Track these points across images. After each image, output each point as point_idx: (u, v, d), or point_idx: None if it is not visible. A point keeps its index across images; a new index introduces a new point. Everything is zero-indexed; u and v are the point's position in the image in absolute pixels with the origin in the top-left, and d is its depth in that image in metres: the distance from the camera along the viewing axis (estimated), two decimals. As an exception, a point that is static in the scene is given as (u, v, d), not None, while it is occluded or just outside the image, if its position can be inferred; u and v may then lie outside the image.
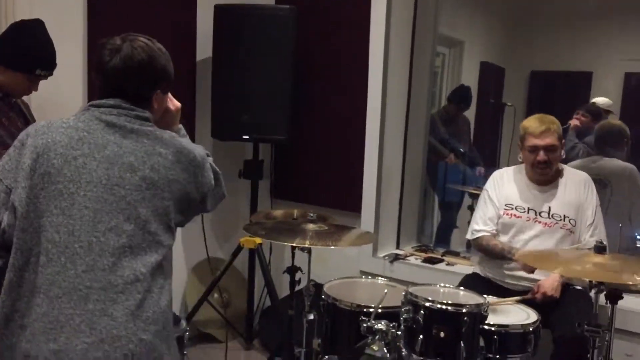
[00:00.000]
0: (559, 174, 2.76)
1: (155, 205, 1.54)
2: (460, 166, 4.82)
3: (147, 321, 1.47)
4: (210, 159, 1.75)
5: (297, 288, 2.83)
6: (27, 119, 2.43)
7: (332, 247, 2.42)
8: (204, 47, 3.66)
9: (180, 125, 1.84)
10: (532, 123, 2.67)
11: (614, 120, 4.16)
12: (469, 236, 2.89)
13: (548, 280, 2.55)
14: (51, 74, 2.39)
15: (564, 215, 2.69)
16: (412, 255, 3.62)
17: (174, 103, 1.81)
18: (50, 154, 1.51)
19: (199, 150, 1.69)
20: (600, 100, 4.67)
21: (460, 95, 5.00)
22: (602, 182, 3.39)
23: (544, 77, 6.14)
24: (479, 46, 5.98)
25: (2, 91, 2.33)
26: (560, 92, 6.03)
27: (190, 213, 1.69)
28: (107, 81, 1.62)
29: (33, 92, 2.40)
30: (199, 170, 1.65)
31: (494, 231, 2.78)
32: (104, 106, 1.59)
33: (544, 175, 2.72)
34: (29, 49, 2.32)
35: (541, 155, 2.64)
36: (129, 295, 1.46)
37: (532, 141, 2.65)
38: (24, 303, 1.44)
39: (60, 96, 2.79)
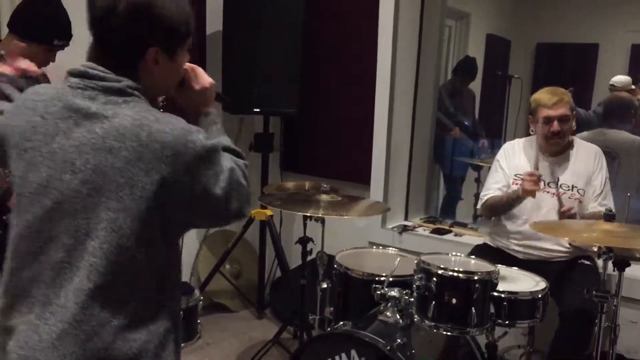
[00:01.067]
0: (569, 145, 2.80)
1: (100, 217, 1.19)
2: (465, 139, 4.86)
3: None
4: (236, 164, 1.33)
5: (308, 258, 2.89)
6: None
7: (347, 216, 2.47)
8: (214, 21, 3.67)
9: (213, 111, 1.44)
10: (544, 95, 2.71)
11: (622, 93, 4.16)
12: (479, 205, 2.94)
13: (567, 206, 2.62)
14: (68, 44, 2.41)
15: (572, 185, 2.73)
16: (420, 226, 3.67)
17: (198, 77, 1.43)
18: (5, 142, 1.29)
19: (202, 142, 1.24)
20: (618, 80, 4.62)
21: (465, 67, 5.00)
22: (610, 154, 3.42)
23: (550, 49, 6.13)
24: (485, 18, 5.96)
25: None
26: (566, 64, 6.03)
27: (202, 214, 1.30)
28: (92, 32, 1.28)
29: (51, 63, 2.43)
30: (190, 166, 1.22)
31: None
32: (73, 75, 1.26)
33: (557, 146, 2.76)
34: (46, 19, 2.34)
35: (555, 126, 2.68)
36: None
37: (546, 112, 2.68)
38: None
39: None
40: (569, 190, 2.73)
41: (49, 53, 2.38)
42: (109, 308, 1.20)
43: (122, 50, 1.26)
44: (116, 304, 1.21)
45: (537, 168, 2.63)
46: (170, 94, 1.43)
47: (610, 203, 2.73)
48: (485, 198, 2.85)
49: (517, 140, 2.97)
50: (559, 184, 2.75)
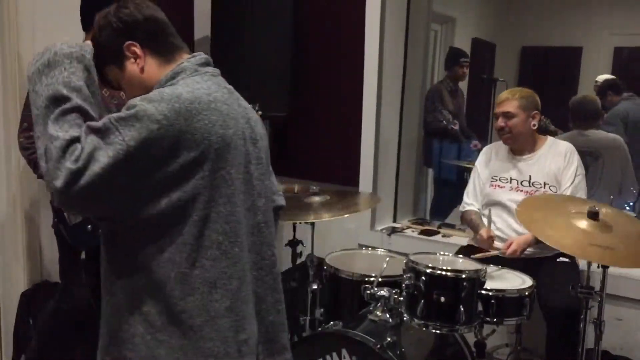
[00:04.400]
0: (541, 143, 2.88)
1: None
2: (463, 141, 4.89)
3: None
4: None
5: (298, 261, 2.92)
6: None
7: (340, 217, 2.49)
8: (202, 26, 3.69)
9: None
10: (502, 93, 2.89)
11: (588, 95, 4.20)
12: (460, 208, 3.05)
13: (520, 239, 2.68)
14: None
15: (544, 183, 2.80)
16: (408, 228, 3.71)
17: None
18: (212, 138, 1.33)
19: None
20: (602, 78, 4.71)
21: (453, 58, 5.03)
22: (593, 154, 3.48)
23: (534, 52, 6.21)
24: (471, 23, 6.03)
25: None
26: (550, 67, 6.12)
27: None
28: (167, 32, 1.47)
29: None
30: None
31: (477, 207, 2.95)
32: (210, 64, 1.47)
33: (509, 144, 2.87)
34: (110, 3, 2.38)
35: (498, 122, 2.83)
36: (278, 273, 1.51)
37: (495, 110, 2.88)
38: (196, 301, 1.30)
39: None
40: (541, 187, 2.80)
41: None
42: None
43: None
44: None
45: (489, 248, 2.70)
46: None
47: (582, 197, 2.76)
48: (465, 209, 3.00)
49: (495, 143, 3.04)
50: (531, 181, 2.81)
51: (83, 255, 2.43)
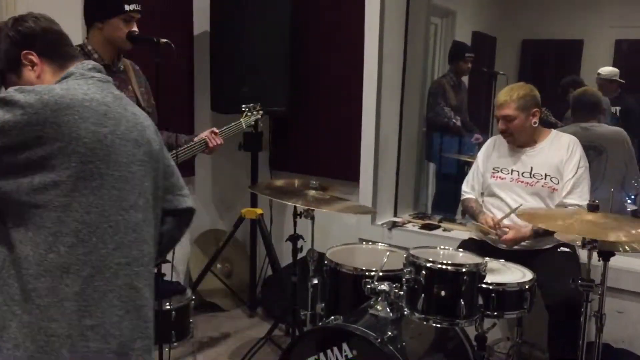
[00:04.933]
0: (541, 136, 2.89)
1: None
2: (467, 135, 4.89)
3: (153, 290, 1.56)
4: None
5: (299, 256, 2.92)
6: (124, 84, 2.52)
7: (336, 212, 2.49)
8: (201, 22, 3.69)
9: None
10: (500, 94, 2.86)
11: (590, 88, 4.19)
12: (461, 197, 3.09)
13: (520, 231, 2.71)
14: (140, 10, 2.44)
15: (545, 174, 2.80)
16: (409, 222, 3.71)
17: None
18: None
19: None
20: (605, 70, 4.69)
21: (457, 53, 5.01)
22: (597, 148, 3.45)
23: (535, 45, 6.19)
24: (471, 16, 6.01)
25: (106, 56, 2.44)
26: (551, 60, 6.10)
27: None
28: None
29: None
30: None
31: (474, 196, 3.00)
32: (100, 71, 1.57)
33: (511, 143, 2.89)
34: None
35: (500, 125, 2.85)
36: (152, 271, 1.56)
37: (495, 112, 2.87)
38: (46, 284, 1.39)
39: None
40: (542, 179, 2.80)
41: (127, 24, 2.41)
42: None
43: None
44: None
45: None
46: None
47: (584, 192, 2.77)
48: (464, 197, 3.04)
49: (498, 135, 3.03)
50: (532, 173, 2.81)
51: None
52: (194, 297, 3.52)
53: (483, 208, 2.90)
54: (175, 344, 3.34)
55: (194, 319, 3.53)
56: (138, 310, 1.49)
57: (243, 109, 3.00)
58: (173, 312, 3.32)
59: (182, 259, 3.84)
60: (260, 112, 3.04)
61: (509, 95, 2.80)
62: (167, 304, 3.31)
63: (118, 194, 1.45)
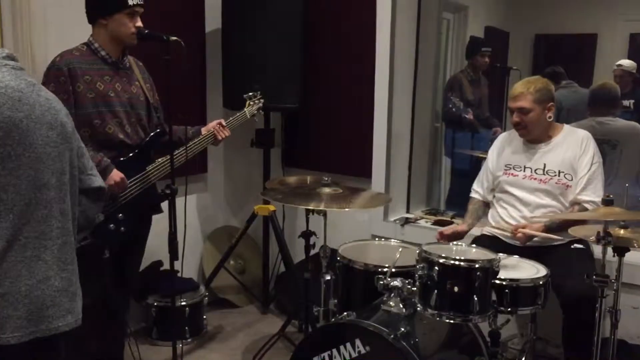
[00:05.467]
0: (556, 132, 2.86)
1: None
2: (483, 130, 4.87)
3: (65, 262, 1.67)
4: None
5: (312, 252, 2.92)
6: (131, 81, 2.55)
7: (348, 209, 2.49)
8: (213, 19, 3.69)
9: None
10: (515, 86, 2.83)
11: (608, 82, 4.16)
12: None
13: (534, 226, 2.69)
14: (143, 4, 2.45)
15: (559, 171, 2.78)
16: (422, 218, 3.70)
17: None
18: None
19: None
20: (626, 62, 4.67)
21: (473, 47, 4.99)
22: (610, 142, 3.43)
23: (548, 40, 6.14)
24: (483, 11, 5.97)
25: (113, 52, 2.46)
26: (565, 55, 6.03)
27: None
28: None
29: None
30: None
31: (481, 193, 3.01)
32: (13, 59, 1.65)
33: (524, 136, 2.86)
34: None
35: (514, 117, 2.81)
36: (65, 244, 1.67)
37: (509, 103, 2.84)
38: None
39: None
40: (555, 175, 2.78)
41: (132, 18, 2.43)
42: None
43: None
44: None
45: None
46: None
47: (597, 189, 2.75)
48: (471, 195, 3.06)
49: (510, 131, 3.03)
50: (546, 169, 2.79)
51: (107, 254, 2.44)
52: (207, 294, 3.56)
53: (493, 211, 2.89)
54: (189, 339, 3.37)
55: (207, 315, 3.56)
56: (46, 281, 1.60)
57: (244, 98, 3.00)
58: (187, 309, 3.36)
59: (195, 255, 3.86)
60: (262, 99, 3.03)
61: (526, 87, 2.77)
62: (181, 300, 3.34)
63: (34, 174, 1.57)
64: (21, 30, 2.80)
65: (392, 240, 2.96)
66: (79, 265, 2.56)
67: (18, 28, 2.80)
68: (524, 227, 2.69)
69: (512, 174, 2.88)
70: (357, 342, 2.16)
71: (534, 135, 2.85)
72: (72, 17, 2.71)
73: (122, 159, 2.50)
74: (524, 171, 2.85)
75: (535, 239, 2.72)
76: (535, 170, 2.82)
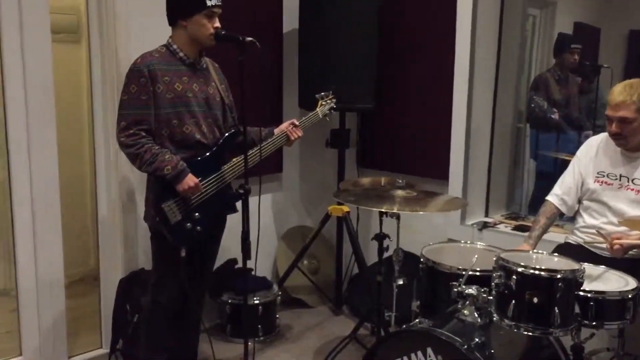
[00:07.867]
0: None
1: None
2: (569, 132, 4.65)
3: None
4: None
5: (385, 255, 2.87)
6: (208, 81, 2.61)
7: (421, 212, 2.43)
8: (291, 20, 3.71)
9: None
10: (614, 91, 2.56)
11: None
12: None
13: (630, 237, 2.46)
14: (221, 5, 2.49)
15: None
16: (501, 223, 3.56)
17: None
18: None
19: None
20: None
21: (561, 45, 4.77)
22: None
23: (644, 36, 5.78)
24: (573, 6, 5.70)
25: (191, 54, 2.52)
26: (662, 52, 5.66)
27: None
28: None
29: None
30: None
31: (560, 196, 2.78)
32: None
33: (622, 146, 2.62)
34: None
35: (613, 127, 2.55)
36: None
37: (608, 111, 2.57)
38: None
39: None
40: None
41: (210, 19, 2.47)
42: None
43: None
44: None
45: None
46: None
47: None
48: (547, 198, 2.81)
49: (601, 135, 2.79)
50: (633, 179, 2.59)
51: (183, 253, 2.49)
52: (280, 293, 3.58)
53: (580, 220, 2.70)
54: (261, 337, 3.40)
55: (280, 315, 3.59)
56: None
57: (317, 98, 2.98)
58: (260, 307, 3.39)
59: (269, 254, 3.90)
60: (334, 99, 3.00)
61: (629, 95, 2.50)
62: (254, 298, 3.38)
63: None
64: (107, 34, 2.92)
65: (479, 243, 2.86)
66: (156, 264, 2.66)
67: (104, 33, 2.92)
68: (619, 238, 2.47)
69: (604, 182, 2.68)
70: (429, 350, 2.11)
71: (632, 144, 2.62)
72: (152, 25, 2.78)
73: (198, 158, 2.54)
74: (620, 180, 2.64)
75: (632, 252, 2.53)
76: (632, 180, 2.61)
